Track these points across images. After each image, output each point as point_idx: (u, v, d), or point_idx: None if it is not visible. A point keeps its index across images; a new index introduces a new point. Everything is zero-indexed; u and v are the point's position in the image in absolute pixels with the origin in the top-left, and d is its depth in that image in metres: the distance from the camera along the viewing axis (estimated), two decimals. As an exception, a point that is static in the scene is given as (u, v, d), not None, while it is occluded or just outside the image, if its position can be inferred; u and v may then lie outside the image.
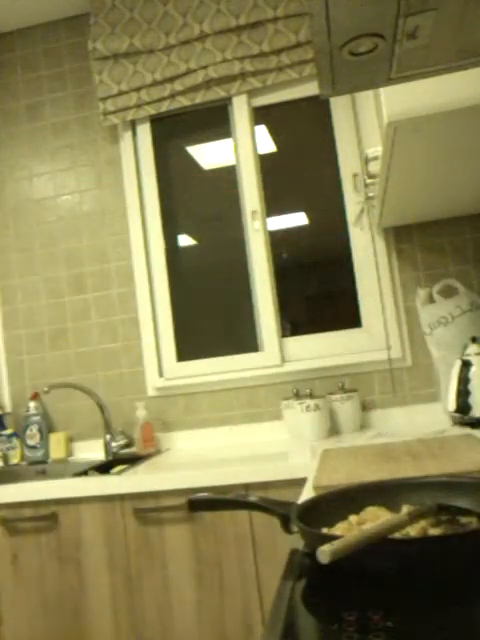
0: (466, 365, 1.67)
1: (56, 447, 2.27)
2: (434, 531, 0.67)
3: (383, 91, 1.07)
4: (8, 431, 2.29)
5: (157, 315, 2.30)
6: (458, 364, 1.69)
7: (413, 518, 0.65)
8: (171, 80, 2.22)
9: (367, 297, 2.15)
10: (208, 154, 2.37)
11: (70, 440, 2.32)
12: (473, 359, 1.66)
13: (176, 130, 2.38)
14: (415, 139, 1.18)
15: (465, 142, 1.24)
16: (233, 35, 2.16)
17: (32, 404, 2.29)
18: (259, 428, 2.17)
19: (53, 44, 2.44)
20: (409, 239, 2.12)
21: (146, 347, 2.27)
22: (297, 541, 0.78)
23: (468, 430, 1.59)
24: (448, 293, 1.96)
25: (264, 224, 2.24)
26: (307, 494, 1.04)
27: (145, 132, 2.35)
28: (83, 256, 2.36)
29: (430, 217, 2.05)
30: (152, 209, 2.33)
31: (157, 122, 2.37)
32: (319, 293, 2.26)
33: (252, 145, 2.26)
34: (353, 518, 0.74)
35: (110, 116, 2.28)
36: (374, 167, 1.55)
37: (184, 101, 2.23)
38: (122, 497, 1.68)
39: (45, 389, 2.08)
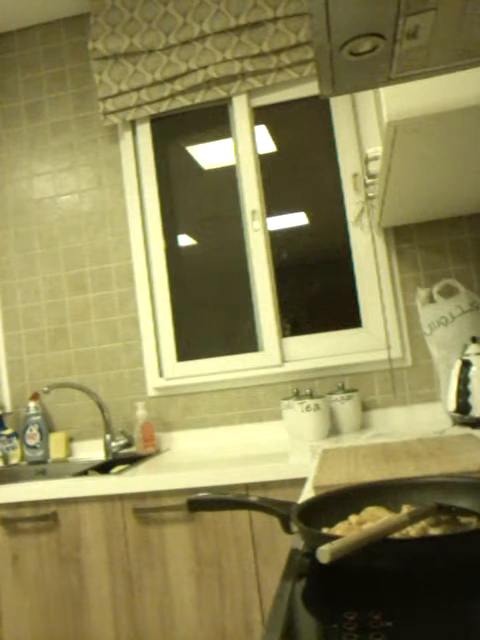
0: (466, 365, 1.67)
1: (56, 447, 2.27)
2: (434, 531, 0.67)
3: (383, 91, 1.07)
4: (8, 431, 2.29)
5: (157, 315, 2.30)
6: (458, 364, 1.69)
7: (413, 518, 0.65)
8: (171, 80, 2.22)
9: (367, 297, 2.15)
10: (208, 154, 2.37)
11: (70, 440, 2.32)
12: (473, 359, 1.66)
13: (176, 130, 2.38)
14: (415, 139, 1.18)
15: (465, 142, 1.24)
16: (233, 35, 2.16)
17: (32, 404, 2.29)
18: (259, 428, 2.17)
19: (53, 44, 2.44)
20: (409, 239, 2.12)
21: (146, 347, 2.27)
22: (297, 541, 0.78)
23: (468, 430, 1.59)
24: (448, 293, 1.96)
25: (264, 224, 2.24)
26: (307, 494, 1.04)
27: (145, 132, 2.35)
28: (83, 256, 2.36)
29: (430, 217, 2.05)
30: (152, 209, 2.33)
31: (157, 122, 2.37)
32: (319, 293, 2.26)
33: (252, 145, 2.26)
34: (353, 518, 0.74)
35: (110, 116, 2.28)
36: (374, 167, 1.55)
37: (184, 101, 2.23)
38: (122, 497, 1.68)
39: (45, 389, 2.08)
